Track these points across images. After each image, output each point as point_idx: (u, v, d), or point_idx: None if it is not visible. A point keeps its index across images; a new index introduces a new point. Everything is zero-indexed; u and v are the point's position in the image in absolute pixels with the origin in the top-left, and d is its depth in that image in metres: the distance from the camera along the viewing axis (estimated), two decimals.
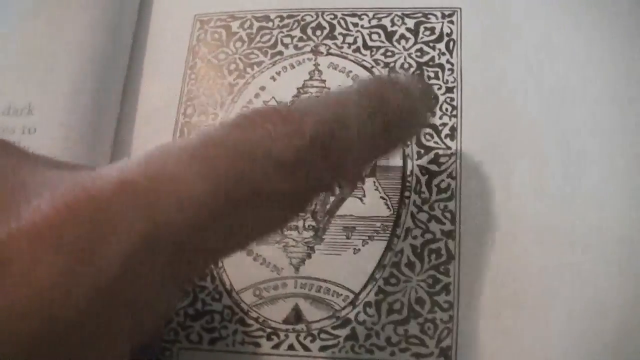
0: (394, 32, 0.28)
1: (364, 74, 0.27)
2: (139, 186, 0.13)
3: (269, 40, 0.29)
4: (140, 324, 0.14)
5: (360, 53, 0.28)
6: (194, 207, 0.13)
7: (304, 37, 0.29)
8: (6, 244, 0.12)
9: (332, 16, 0.29)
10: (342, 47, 0.28)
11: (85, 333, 0.12)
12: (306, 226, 0.25)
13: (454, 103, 0.26)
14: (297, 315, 0.24)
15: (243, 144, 0.14)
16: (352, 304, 0.24)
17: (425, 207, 0.25)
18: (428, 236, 0.25)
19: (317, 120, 0.15)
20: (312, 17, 0.29)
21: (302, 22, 0.29)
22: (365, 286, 0.24)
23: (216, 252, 0.15)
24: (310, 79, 0.28)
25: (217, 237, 0.14)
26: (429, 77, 0.27)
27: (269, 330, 0.24)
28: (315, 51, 0.28)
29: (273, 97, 0.28)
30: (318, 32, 0.29)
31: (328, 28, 0.28)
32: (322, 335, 0.24)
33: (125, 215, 0.13)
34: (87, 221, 0.13)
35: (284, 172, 0.14)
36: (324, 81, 0.28)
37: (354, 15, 0.29)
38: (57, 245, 0.12)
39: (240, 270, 0.25)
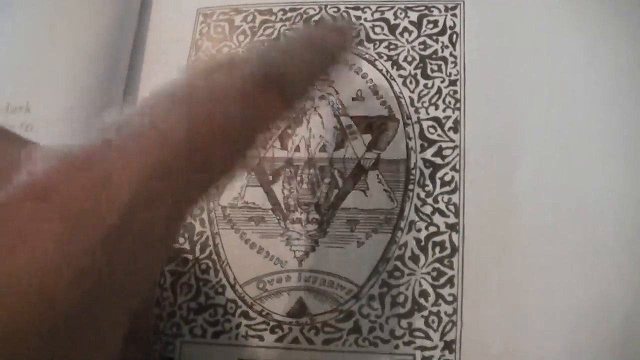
0: (397, 25, 0.28)
1: (367, 67, 0.27)
2: (132, 135, 0.14)
3: (272, 33, 0.29)
4: (137, 285, 0.14)
5: (364, 46, 0.28)
6: (179, 149, 0.14)
7: None
8: (5, 205, 0.12)
9: (335, 9, 0.29)
10: None
11: (84, 296, 0.13)
12: (310, 219, 0.25)
13: (457, 96, 0.26)
14: (301, 308, 0.24)
15: (210, 86, 0.16)
16: (356, 297, 0.24)
17: (429, 200, 0.25)
18: (432, 229, 0.25)
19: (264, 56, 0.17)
20: (315, 10, 0.29)
21: (305, 16, 0.29)
22: (369, 279, 0.24)
23: (195, 195, 0.16)
24: None
25: (196, 178, 0.15)
26: (432, 70, 0.27)
27: (272, 323, 0.24)
28: None
29: None
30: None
31: (331, 21, 0.28)
32: (326, 329, 0.24)
33: (121, 163, 0.13)
34: (83, 176, 0.13)
35: (246, 101, 0.16)
36: None
37: (357, 8, 0.28)
38: (56, 203, 0.12)
39: (243, 263, 0.25)
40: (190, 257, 0.26)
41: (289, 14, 0.29)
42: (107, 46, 0.28)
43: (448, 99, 0.26)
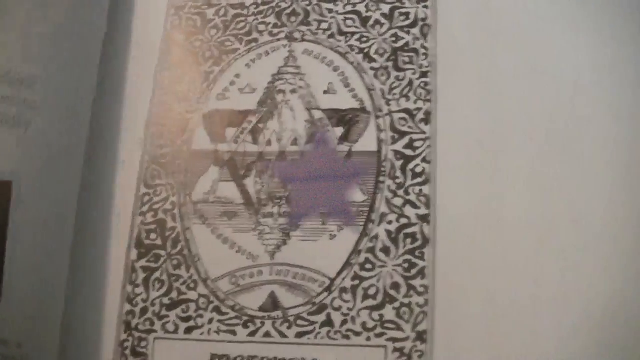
0: (369, 18, 0.28)
1: (339, 60, 0.27)
2: None
3: (244, 27, 0.29)
4: None
5: (335, 39, 0.28)
6: None
7: (279, 23, 0.28)
8: None
9: (307, 2, 0.28)
10: (317, 34, 0.28)
11: None
12: (282, 213, 0.25)
13: (429, 88, 0.26)
14: (273, 303, 0.24)
15: None
16: (328, 289, 0.24)
17: (400, 192, 0.25)
18: (403, 221, 0.24)
19: None
20: (287, 3, 0.29)
21: (277, 9, 0.29)
22: (340, 272, 0.24)
23: None
24: (285, 65, 0.28)
25: None
26: (404, 62, 0.27)
27: (245, 318, 0.24)
28: (290, 38, 0.28)
29: (248, 85, 0.28)
30: (293, 19, 0.28)
31: (303, 14, 0.28)
32: (299, 322, 0.24)
33: None
34: None
35: None
36: (298, 67, 0.27)
37: (328, 0, 0.28)
38: None
39: (215, 258, 0.25)
40: (162, 253, 0.26)
41: (261, 7, 0.29)
42: (78, 37, 0.28)
43: (419, 91, 0.26)
